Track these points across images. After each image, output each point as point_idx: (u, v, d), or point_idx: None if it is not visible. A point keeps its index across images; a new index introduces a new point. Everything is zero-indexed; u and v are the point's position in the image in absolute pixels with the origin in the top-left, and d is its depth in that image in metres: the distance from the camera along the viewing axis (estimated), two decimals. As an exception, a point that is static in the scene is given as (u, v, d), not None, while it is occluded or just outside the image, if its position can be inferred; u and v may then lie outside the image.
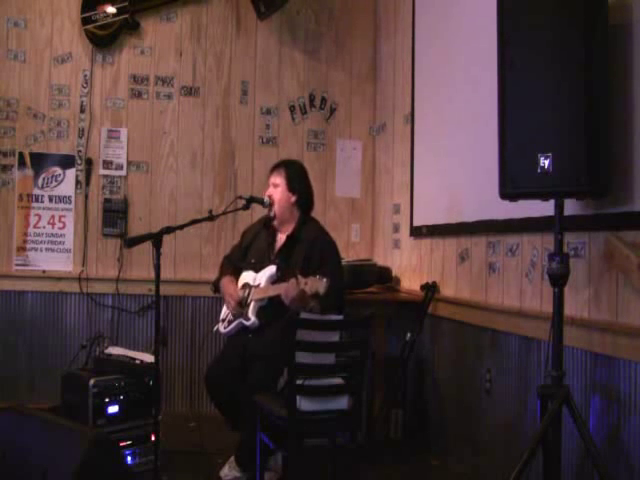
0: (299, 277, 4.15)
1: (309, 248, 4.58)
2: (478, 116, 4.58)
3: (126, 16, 6.35)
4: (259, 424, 4.22)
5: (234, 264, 4.95)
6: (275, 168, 4.86)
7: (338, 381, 4.12)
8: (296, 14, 6.58)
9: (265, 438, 4.22)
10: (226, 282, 4.86)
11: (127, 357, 5.08)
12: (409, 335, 5.36)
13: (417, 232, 5.81)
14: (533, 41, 3.26)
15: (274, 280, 4.56)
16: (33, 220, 6.33)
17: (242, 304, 4.63)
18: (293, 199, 4.75)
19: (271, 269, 4.61)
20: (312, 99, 6.71)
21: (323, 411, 4.08)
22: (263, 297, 4.54)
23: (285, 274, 4.46)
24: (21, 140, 6.35)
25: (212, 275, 5.23)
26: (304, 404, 4.01)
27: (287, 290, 4.26)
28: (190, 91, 6.55)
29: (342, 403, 4.10)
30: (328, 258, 4.56)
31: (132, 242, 4.73)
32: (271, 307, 4.52)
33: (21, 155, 6.35)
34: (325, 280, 4.06)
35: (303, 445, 4.32)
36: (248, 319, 4.55)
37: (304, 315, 4.12)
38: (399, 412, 5.50)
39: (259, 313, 4.56)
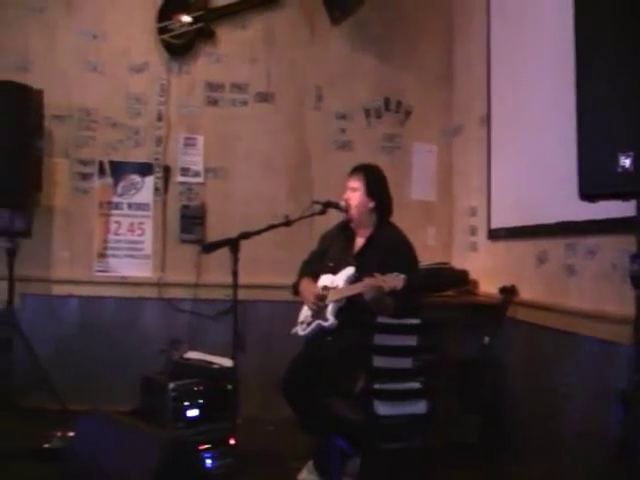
0: (377, 275, 4.14)
1: (387, 250, 4.55)
2: (556, 116, 4.50)
3: (201, 25, 6.43)
4: (335, 428, 4.21)
5: (312, 268, 4.96)
6: (354, 172, 4.83)
7: (415, 385, 4.09)
8: (369, 18, 6.56)
9: (342, 442, 4.21)
10: (305, 283, 4.89)
11: (205, 361, 5.14)
12: (487, 339, 5.29)
13: (494, 235, 5.73)
14: (611, 39, 3.18)
15: (352, 281, 4.54)
16: (113, 227, 6.45)
17: (321, 299, 4.63)
18: (371, 205, 4.73)
19: (349, 270, 4.59)
20: (387, 103, 6.68)
21: (400, 415, 4.06)
22: (341, 297, 4.53)
23: (363, 275, 4.43)
24: (100, 149, 6.48)
25: (288, 280, 5.23)
26: (381, 408, 3.99)
27: (365, 287, 4.24)
28: (265, 97, 6.59)
29: (419, 407, 4.08)
30: (406, 259, 4.51)
31: (209, 248, 4.79)
32: (349, 308, 4.51)
33: (101, 164, 6.47)
34: (403, 277, 4.04)
35: (379, 449, 4.29)
36: (326, 320, 4.55)
37: (381, 319, 4.11)
38: (475, 416, 5.43)
39: (337, 314, 4.56)
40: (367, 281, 4.23)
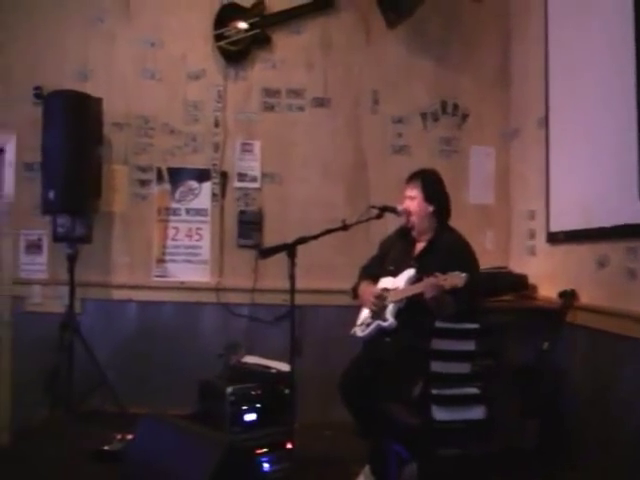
0: (438, 274, 4.12)
1: (448, 253, 4.51)
2: (616, 117, 4.43)
3: (257, 31, 6.46)
4: (392, 433, 4.18)
5: (372, 272, 4.94)
6: (410, 180, 4.81)
7: (473, 390, 4.05)
8: (425, 21, 6.53)
9: (399, 447, 4.19)
10: (364, 285, 4.88)
11: (262, 366, 5.15)
12: (546, 344, 5.21)
13: (553, 238, 5.65)
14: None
15: (413, 282, 4.52)
16: (171, 233, 6.52)
17: (381, 299, 4.62)
18: (431, 209, 4.71)
19: (410, 272, 4.56)
20: (444, 106, 6.64)
21: (458, 421, 4.03)
22: (402, 297, 4.51)
23: (423, 277, 4.41)
24: (158, 155, 6.55)
25: (345, 285, 5.23)
26: (439, 413, 3.97)
27: (426, 286, 4.22)
28: (321, 102, 6.60)
29: (477, 413, 4.05)
30: (467, 262, 4.46)
31: (267, 253, 4.81)
32: (409, 310, 4.49)
33: (159, 170, 6.55)
34: (464, 275, 4.02)
35: (436, 455, 4.25)
36: (386, 320, 4.53)
37: (439, 324, 4.08)
38: (534, 422, 5.35)
39: (397, 315, 4.54)
40: (428, 280, 4.22)
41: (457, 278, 4.05)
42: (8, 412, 6.10)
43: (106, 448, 4.91)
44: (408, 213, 4.72)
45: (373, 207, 4.84)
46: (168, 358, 6.31)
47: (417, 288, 4.35)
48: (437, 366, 3.99)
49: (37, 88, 6.40)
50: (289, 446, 4.57)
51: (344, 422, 4.78)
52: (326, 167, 6.58)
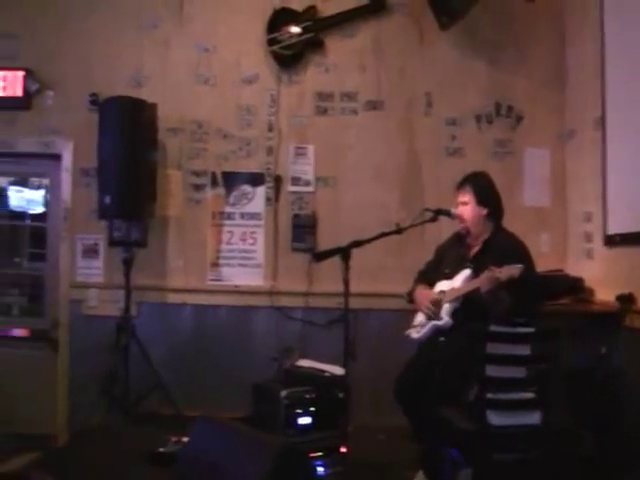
0: (492, 267, 4.12)
1: (503, 253, 4.49)
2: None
3: (310, 35, 6.47)
4: (447, 437, 4.15)
5: (428, 276, 4.94)
6: (461, 185, 4.83)
7: (529, 395, 4.01)
8: (478, 22, 6.47)
9: (454, 452, 4.16)
10: (420, 289, 4.89)
11: (316, 369, 5.15)
12: (603, 349, 5.13)
13: (611, 241, 5.57)
14: None
15: (469, 281, 4.51)
16: (226, 237, 6.55)
17: (436, 304, 4.62)
18: (484, 212, 4.71)
19: (466, 272, 4.58)
20: (498, 107, 6.58)
21: (513, 426, 3.99)
22: (457, 296, 4.52)
23: (479, 276, 4.39)
24: (212, 160, 6.60)
25: (399, 288, 5.23)
26: (494, 418, 3.93)
27: (482, 280, 4.22)
28: (374, 105, 6.58)
29: (533, 418, 4.01)
30: (522, 259, 4.42)
31: (321, 256, 4.82)
32: (465, 309, 4.48)
33: (213, 174, 6.59)
34: (520, 266, 4.01)
35: (492, 460, 4.21)
36: (441, 318, 4.54)
37: (494, 327, 4.06)
38: (590, 428, 5.26)
39: (453, 315, 4.53)
40: (484, 274, 4.23)
41: (513, 269, 4.06)
42: (65, 413, 6.21)
43: (161, 450, 4.94)
44: (462, 219, 4.71)
45: (427, 210, 4.83)
46: (222, 361, 6.35)
47: (473, 284, 4.37)
48: (492, 370, 3.96)
49: (93, 95, 6.50)
50: (343, 450, 4.54)
51: (398, 426, 4.77)
52: (380, 170, 6.56)
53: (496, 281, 4.12)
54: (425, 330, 4.66)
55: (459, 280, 4.59)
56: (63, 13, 6.67)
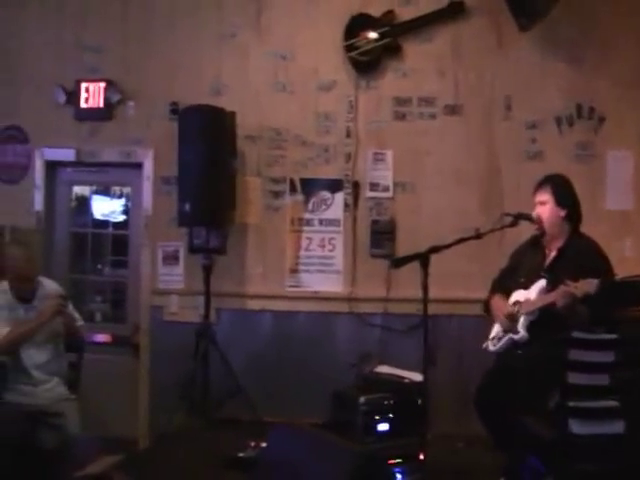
0: (569, 282, 4.04)
1: (579, 260, 4.43)
2: None
3: (388, 40, 6.44)
4: (528, 446, 4.09)
5: (503, 285, 4.89)
6: (540, 185, 4.77)
7: (612, 403, 3.92)
8: (559, 22, 6.34)
9: (535, 461, 4.08)
10: (496, 299, 4.85)
11: (395, 376, 5.13)
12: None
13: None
14: None
15: (544, 293, 4.45)
16: (304, 243, 6.57)
17: (512, 319, 4.55)
18: (562, 213, 4.65)
19: (541, 283, 4.52)
20: (579, 109, 6.45)
21: (596, 434, 3.90)
22: (533, 309, 4.46)
23: (555, 287, 4.33)
24: (291, 167, 6.62)
25: (478, 294, 5.18)
26: (576, 426, 3.86)
27: (557, 295, 4.16)
28: (453, 110, 6.51)
29: (617, 427, 3.92)
30: (600, 270, 4.35)
31: (399, 262, 4.80)
32: (541, 321, 4.42)
33: (292, 181, 6.62)
34: (596, 281, 3.93)
35: (573, 469, 4.12)
36: (517, 332, 4.50)
37: (577, 334, 3.99)
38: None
39: (529, 327, 4.47)
40: (559, 289, 4.15)
41: (588, 284, 3.98)
42: (147, 418, 6.30)
43: (240, 455, 4.97)
44: (540, 219, 4.64)
45: (507, 215, 4.79)
46: (301, 367, 6.36)
47: (548, 298, 4.31)
48: (574, 377, 3.89)
49: (173, 104, 6.60)
50: (421, 457, 4.49)
51: (477, 434, 4.71)
52: (458, 175, 6.48)
53: (572, 297, 4.06)
54: (502, 343, 4.65)
55: (534, 291, 4.54)
56: (144, 25, 6.81)
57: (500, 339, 4.65)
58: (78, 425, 5.16)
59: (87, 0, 6.93)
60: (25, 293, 5.35)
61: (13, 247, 5.53)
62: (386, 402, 4.89)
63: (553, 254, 4.68)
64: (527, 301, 4.54)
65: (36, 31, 6.97)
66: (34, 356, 5.25)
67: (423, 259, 4.35)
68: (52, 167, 7.03)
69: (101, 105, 6.76)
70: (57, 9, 6.96)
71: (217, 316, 6.48)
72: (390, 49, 6.49)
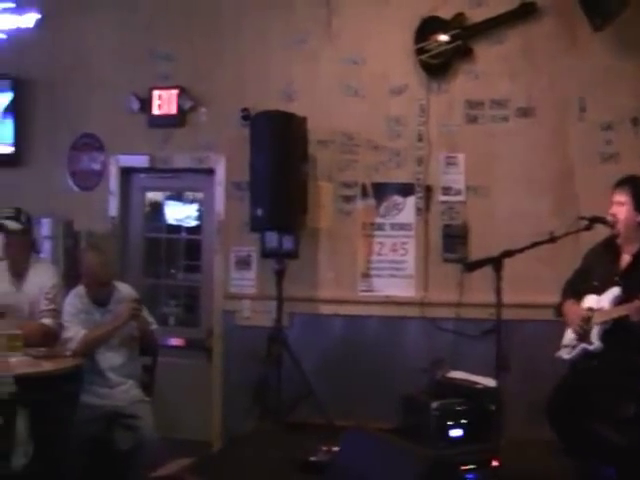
0: None
1: None
2: None
3: (458, 43, 6.40)
4: (601, 454, 4.02)
5: (576, 288, 4.81)
6: (619, 185, 4.68)
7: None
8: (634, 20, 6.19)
9: (610, 470, 4.02)
10: (568, 305, 4.77)
11: (468, 381, 5.08)
12: None
13: None
14: None
15: (618, 302, 4.37)
16: (376, 247, 6.56)
17: (586, 322, 4.47)
18: (639, 219, 4.53)
19: (615, 291, 4.43)
20: (656, 109, 6.31)
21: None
22: (607, 319, 4.37)
23: (630, 295, 4.25)
24: (362, 171, 6.62)
25: (553, 299, 5.10)
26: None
27: (631, 309, 4.10)
28: (525, 112, 6.42)
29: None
30: None
31: (472, 266, 4.78)
32: (616, 330, 4.33)
33: (363, 186, 6.62)
34: None
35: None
36: (591, 343, 4.42)
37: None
38: None
39: (603, 337, 4.39)
40: (633, 304, 4.12)
41: None
42: (220, 420, 6.36)
43: (312, 459, 4.97)
44: (615, 220, 4.55)
45: (582, 218, 4.72)
46: (373, 372, 6.34)
47: (622, 310, 4.23)
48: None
49: (244, 110, 6.65)
50: (495, 464, 4.45)
51: (551, 440, 4.64)
52: (532, 178, 6.38)
53: None
54: (576, 352, 4.58)
55: (607, 299, 4.46)
56: (215, 33, 6.92)
57: (574, 347, 4.59)
58: (152, 427, 5.25)
59: (159, 9, 7.09)
60: (101, 297, 5.47)
61: (89, 252, 5.67)
62: (458, 407, 4.84)
63: (628, 259, 4.59)
64: (601, 310, 4.46)
65: (110, 41, 7.17)
66: (110, 359, 5.37)
67: (496, 263, 4.33)
68: (126, 173, 7.20)
69: (174, 112, 6.87)
70: (130, 19, 7.14)
71: (289, 320, 6.52)
72: (461, 51, 6.44)
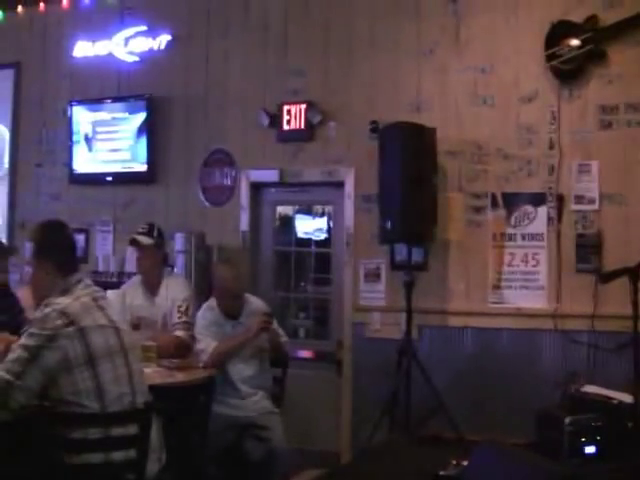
0: None
1: None
2: None
3: (591, 46, 6.22)
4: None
5: None
6: None
7: None
8: None
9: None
10: None
11: (604, 396, 4.94)
12: None
13: None
14: None
15: None
16: (507, 258, 6.45)
17: None
18: None
19: None
20: None
21: None
22: None
23: None
24: (493, 181, 6.52)
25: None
26: None
27: None
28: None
29: None
30: None
31: (607, 277, 4.64)
32: None
33: (493, 196, 6.52)
34: None
35: None
36: None
37: None
38: None
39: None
40: None
41: None
42: (349, 432, 6.37)
43: (442, 473, 4.91)
44: None
45: None
46: (505, 386, 6.22)
47: None
48: None
49: (373, 122, 6.67)
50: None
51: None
52: (673, 184, 6.15)
53: None
54: None
55: None
56: (344, 47, 6.99)
57: None
58: (282, 438, 5.29)
59: (289, 26, 7.20)
60: (232, 310, 5.56)
61: (222, 266, 5.78)
62: (593, 423, 4.72)
63: None
64: None
65: (241, 58, 7.33)
66: (241, 370, 5.45)
67: (632, 274, 4.18)
68: (257, 188, 7.33)
69: (302, 126, 6.95)
70: (261, 36, 7.29)
71: (419, 333, 6.46)
72: (594, 55, 6.24)
